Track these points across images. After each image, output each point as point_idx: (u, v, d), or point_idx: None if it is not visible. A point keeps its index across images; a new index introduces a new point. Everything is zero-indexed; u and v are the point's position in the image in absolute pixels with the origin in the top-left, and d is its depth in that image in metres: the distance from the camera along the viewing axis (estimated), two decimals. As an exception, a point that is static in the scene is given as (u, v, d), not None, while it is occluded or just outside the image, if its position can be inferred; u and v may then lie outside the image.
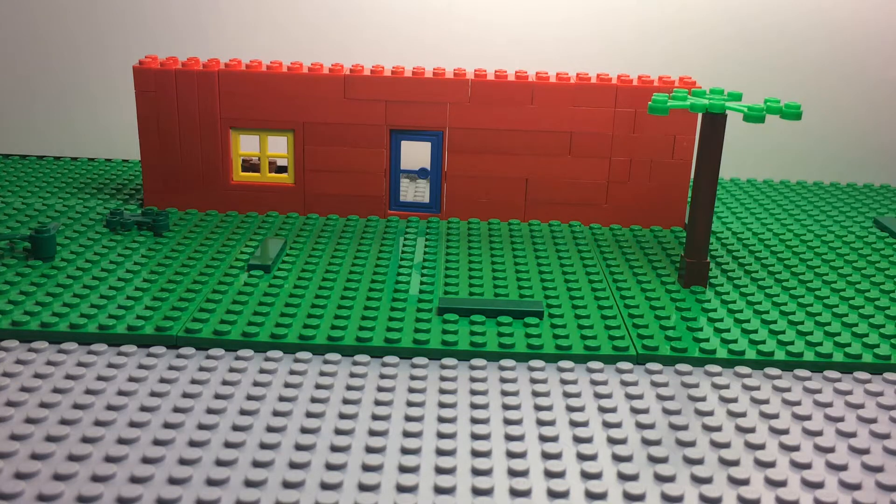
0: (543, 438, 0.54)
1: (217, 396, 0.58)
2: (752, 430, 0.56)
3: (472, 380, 0.61)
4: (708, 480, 0.50)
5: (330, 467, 0.50)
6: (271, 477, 0.49)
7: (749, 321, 0.71)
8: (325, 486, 0.49)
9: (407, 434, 0.54)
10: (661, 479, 0.50)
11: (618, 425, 0.56)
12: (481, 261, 0.82)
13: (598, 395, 0.59)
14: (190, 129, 0.93)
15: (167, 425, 0.54)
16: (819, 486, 0.50)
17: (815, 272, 0.82)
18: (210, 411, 0.56)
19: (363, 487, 0.49)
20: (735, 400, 0.60)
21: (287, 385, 0.59)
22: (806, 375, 0.63)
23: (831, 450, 0.54)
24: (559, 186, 0.94)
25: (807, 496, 0.49)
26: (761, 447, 0.54)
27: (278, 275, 0.77)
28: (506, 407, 0.57)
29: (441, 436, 0.54)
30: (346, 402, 0.57)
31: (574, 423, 0.56)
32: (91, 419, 0.54)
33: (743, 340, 0.67)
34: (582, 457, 0.52)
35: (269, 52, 1.12)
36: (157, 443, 0.52)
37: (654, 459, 0.52)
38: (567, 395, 0.59)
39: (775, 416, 0.58)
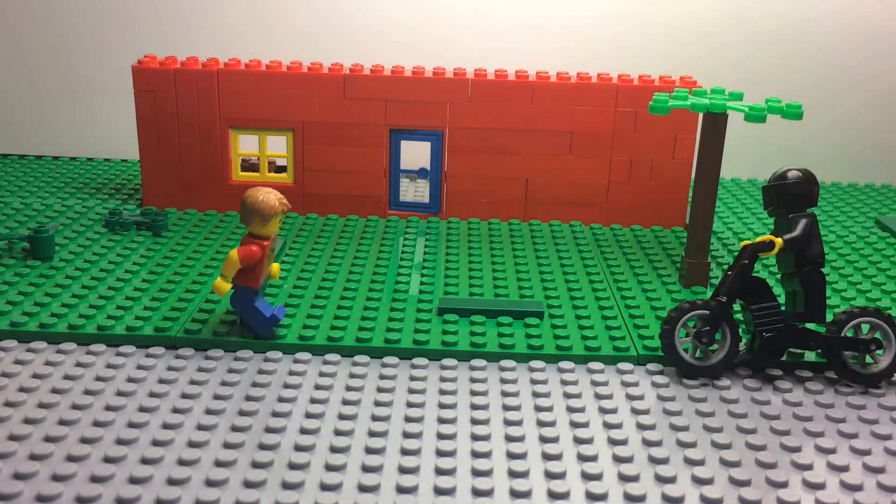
0: (544, 439, 0.54)
1: (216, 397, 0.58)
2: (752, 432, 0.56)
3: (472, 380, 0.61)
4: (709, 481, 0.50)
5: (329, 468, 0.50)
6: (270, 478, 0.49)
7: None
8: (324, 487, 0.48)
9: (407, 435, 0.54)
10: (661, 480, 0.50)
11: (618, 426, 0.56)
12: (481, 261, 0.82)
13: (598, 396, 0.59)
14: (189, 129, 0.93)
15: (166, 426, 0.54)
16: (820, 487, 0.50)
17: (816, 272, 0.82)
18: (209, 412, 0.56)
19: (363, 488, 0.48)
20: (736, 401, 0.59)
21: (286, 386, 0.59)
22: (807, 376, 0.63)
23: (832, 451, 0.54)
24: (559, 186, 0.94)
25: (808, 497, 0.49)
26: (762, 448, 0.54)
27: (278, 275, 0.77)
28: (506, 408, 0.57)
29: (441, 437, 0.54)
30: (345, 402, 0.57)
31: (574, 424, 0.56)
32: (90, 420, 0.54)
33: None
34: (582, 458, 0.52)
35: (269, 51, 1.12)
36: (156, 443, 0.52)
37: (654, 460, 0.52)
38: (567, 395, 0.59)
39: (776, 418, 0.57)
